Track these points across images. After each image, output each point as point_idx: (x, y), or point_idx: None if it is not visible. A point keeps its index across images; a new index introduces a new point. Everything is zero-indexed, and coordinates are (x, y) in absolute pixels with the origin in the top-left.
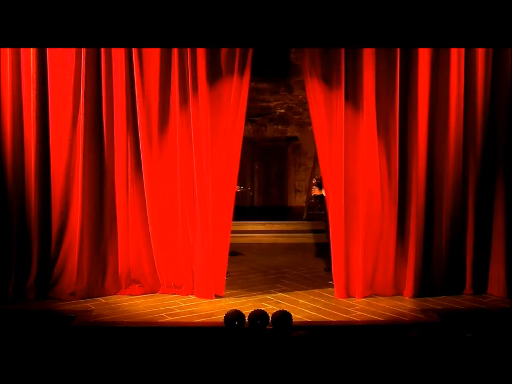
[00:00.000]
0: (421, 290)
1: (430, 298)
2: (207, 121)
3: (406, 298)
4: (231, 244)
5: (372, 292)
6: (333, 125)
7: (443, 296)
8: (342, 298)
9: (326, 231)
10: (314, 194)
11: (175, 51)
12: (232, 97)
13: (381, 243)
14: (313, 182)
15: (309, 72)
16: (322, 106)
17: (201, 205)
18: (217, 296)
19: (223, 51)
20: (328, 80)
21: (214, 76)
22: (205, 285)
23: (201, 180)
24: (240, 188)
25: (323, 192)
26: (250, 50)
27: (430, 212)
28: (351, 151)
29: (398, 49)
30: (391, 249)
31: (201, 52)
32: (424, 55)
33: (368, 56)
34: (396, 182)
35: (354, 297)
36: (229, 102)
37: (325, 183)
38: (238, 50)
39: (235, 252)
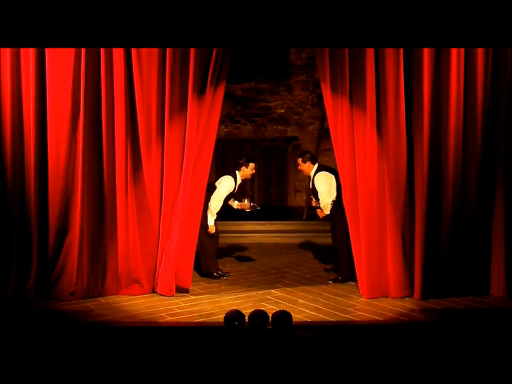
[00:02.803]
0: (428, 292)
1: (431, 298)
2: (194, 128)
3: (406, 298)
4: (231, 244)
5: (380, 293)
6: (338, 124)
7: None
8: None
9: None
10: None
11: (169, 56)
12: (205, 109)
13: (388, 244)
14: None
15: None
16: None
17: (182, 205)
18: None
19: (202, 62)
20: (334, 83)
21: (200, 84)
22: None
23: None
24: (251, 204)
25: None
26: (226, 64)
27: (434, 212)
28: (361, 153)
29: (401, 50)
30: (397, 251)
31: (192, 59)
32: (426, 55)
33: (371, 57)
34: (404, 183)
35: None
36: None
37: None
38: (212, 63)
39: None
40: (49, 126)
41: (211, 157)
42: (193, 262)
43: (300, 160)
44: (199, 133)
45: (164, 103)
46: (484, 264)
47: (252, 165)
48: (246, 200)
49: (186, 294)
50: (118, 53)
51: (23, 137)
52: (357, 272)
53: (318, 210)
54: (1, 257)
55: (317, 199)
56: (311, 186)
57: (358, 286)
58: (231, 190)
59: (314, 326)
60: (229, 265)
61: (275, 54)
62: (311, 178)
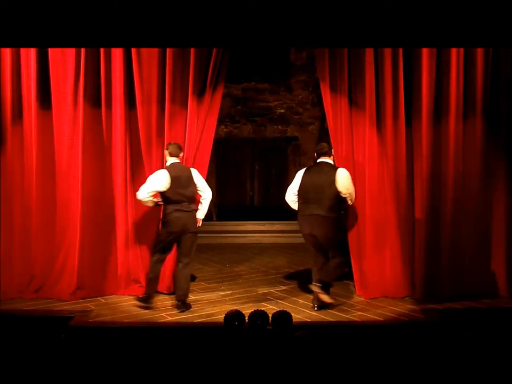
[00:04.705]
0: (428, 293)
1: (431, 298)
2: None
3: (406, 298)
4: (231, 245)
5: (380, 293)
6: (337, 124)
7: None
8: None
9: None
10: None
11: (169, 57)
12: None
13: (388, 244)
14: None
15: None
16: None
17: None
18: None
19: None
20: (334, 83)
21: (200, 85)
22: None
23: None
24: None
25: None
26: (225, 64)
27: (434, 212)
28: (361, 153)
29: (401, 49)
30: (397, 251)
31: (192, 60)
32: (425, 55)
33: (370, 57)
34: (403, 183)
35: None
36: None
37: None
38: (212, 63)
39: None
40: (55, 125)
41: (209, 156)
42: None
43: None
44: (198, 133)
45: (164, 103)
46: (484, 264)
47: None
48: None
49: None
50: (118, 53)
51: (23, 137)
52: (354, 273)
53: None
54: (1, 257)
55: None
56: None
57: (355, 287)
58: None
59: (314, 326)
60: (229, 265)
61: (275, 54)
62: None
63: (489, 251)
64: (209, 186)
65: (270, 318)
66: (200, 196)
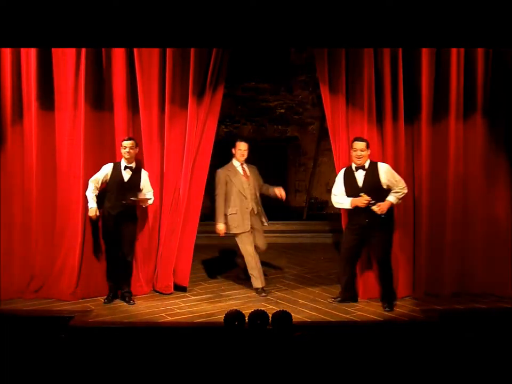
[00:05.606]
0: (429, 293)
1: (431, 298)
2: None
3: (407, 298)
4: (231, 245)
5: (380, 293)
6: (336, 125)
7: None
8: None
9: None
10: None
11: (169, 57)
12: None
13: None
14: None
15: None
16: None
17: (182, 203)
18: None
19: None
20: (333, 83)
21: (200, 85)
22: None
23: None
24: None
25: None
26: (225, 65)
27: (435, 211)
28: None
29: (400, 49)
30: (398, 251)
31: (192, 60)
32: (425, 54)
33: (370, 57)
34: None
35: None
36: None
37: None
38: (212, 64)
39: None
40: (56, 125)
41: (210, 157)
42: (191, 260)
43: (365, 145)
44: (198, 134)
45: (164, 104)
46: (486, 263)
47: (123, 143)
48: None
49: (186, 294)
50: (119, 53)
51: (23, 135)
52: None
53: (379, 204)
54: (2, 257)
55: (376, 193)
56: (363, 179)
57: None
58: (105, 174)
59: (314, 326)
60: (229, 266)
61: (275, 55)
62: (366, 169)
63: (491, 251)
64: (209, 186)
65: (270, 318)
66: None
